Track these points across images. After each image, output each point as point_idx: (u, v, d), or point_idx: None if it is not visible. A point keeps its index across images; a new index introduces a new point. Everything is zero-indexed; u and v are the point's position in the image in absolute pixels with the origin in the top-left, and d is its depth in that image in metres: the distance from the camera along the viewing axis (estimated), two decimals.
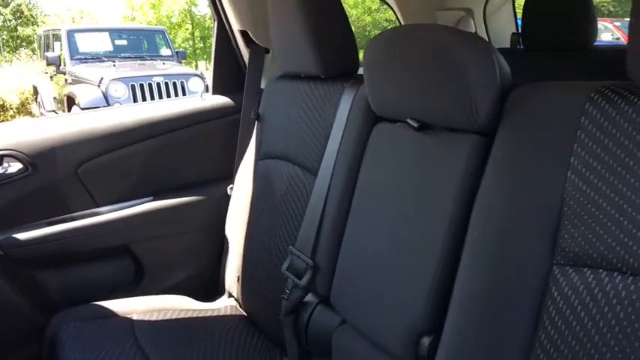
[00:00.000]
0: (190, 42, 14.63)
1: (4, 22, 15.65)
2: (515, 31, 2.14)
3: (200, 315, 1.33)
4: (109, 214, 1.44)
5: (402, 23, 2.09)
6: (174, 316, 1.30)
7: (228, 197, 1.49)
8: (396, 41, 0.90)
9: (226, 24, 1.51)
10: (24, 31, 15.36)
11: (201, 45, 14.60)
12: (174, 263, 1.54)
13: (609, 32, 8.49)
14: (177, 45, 12.87)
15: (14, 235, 1.33)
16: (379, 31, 2.15)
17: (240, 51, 1.55)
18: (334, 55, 1.12)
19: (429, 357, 0.81)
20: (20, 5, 15.71)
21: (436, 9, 2.06)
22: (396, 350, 0.86)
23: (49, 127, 1.40)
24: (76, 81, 6.26)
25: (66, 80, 6.51)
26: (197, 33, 14.54)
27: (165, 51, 7.49)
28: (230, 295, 1.45)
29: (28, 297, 1.35)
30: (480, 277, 0.75)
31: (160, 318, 1.28)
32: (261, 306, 1.27)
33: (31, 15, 15.83)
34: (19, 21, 15.62)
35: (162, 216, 1.49)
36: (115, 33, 7.25)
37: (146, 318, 1.27)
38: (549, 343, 0.67)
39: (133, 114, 1.49)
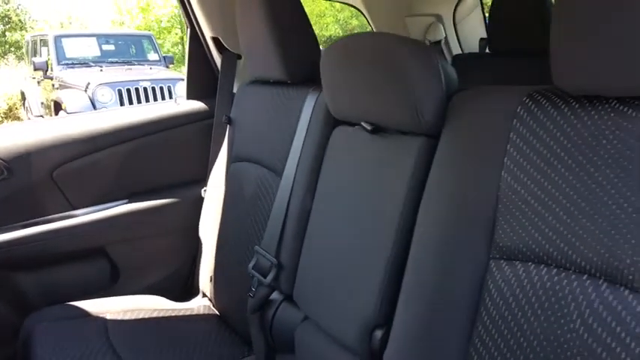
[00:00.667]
0: (180, 46, 14.62)
1: None
2: (485, 36, 2.19)
3: (173, 314, 1.36)
4: (84, 216, 1.47)
5: (374, 29, 2.14)
6: (147, 316, 1.33)
7: (202, 199, 1.52)
8: (348, 49, 0.95)
9: (199, 31, 1.55)
10: (12, 36, 15.31)
11: None
12: (149, 264, 1.57)
13: None
14: (166, 50, 12.86)
15: None
16: None
17: (212, 57, 1.59)
18: (299, 61, 1.16)
19: (381, 349, 0.85)
20: (8, 10, 15.65)
21: (406, 15, 2.10)
22: (352, 344, 0.90)
23: (24, 132, 1.43)
24: (63, 86, 6.26)
25: (53, 85, 6.51)
26: (186, 38, 14.52)
27: (152, 56, 7.50)
28: (204, 295, 1.48)
29: (3, 298, 1.37)
30: (424, 272, 0.79)
31: (133, 317, 1.31)
32: (232, 304, 1.31)
33: (19, 20, 15.79)
34: (7, 26, 15.56)
35: (137, 218, 1.52)
36: (102, 38, 7.25)
37: (119, 318, 1.30)
38: (486, 334, 0.71)
39: (108, 118, 1.51)
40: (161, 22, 14.10)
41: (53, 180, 1.42)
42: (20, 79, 8.90)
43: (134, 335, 1.24)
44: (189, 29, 1.58)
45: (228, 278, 1.32)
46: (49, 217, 1.43)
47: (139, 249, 1.54)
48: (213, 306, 1.41)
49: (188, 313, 1.39)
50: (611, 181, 0.61)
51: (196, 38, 1.58)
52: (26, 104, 7.92)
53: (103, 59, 6.98)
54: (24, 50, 9.17)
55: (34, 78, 7.33)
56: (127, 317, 1.31)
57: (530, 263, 0.68)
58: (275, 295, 1.14)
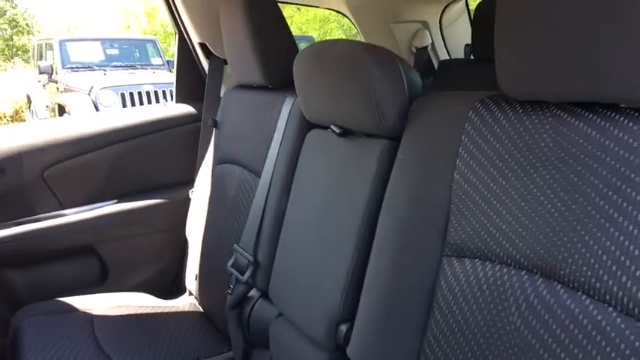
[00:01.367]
0: None
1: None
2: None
3: (158, 312, 1.40)
4: (74, 215, 1.51)
5: (361, 36, 2.18)
6: (132, 312, 1.37)
7: (190, 200, 1.56)
8: (317, 55, 0.99)
9: (186, 37, 1.60)
10: (20, 39, 15.48)
11: None
12: (138, 263, 1.62)
13: None
14: (170, 54, 12.95)
15: None
16: None
17: (200, 62, 1.64)
18: (278, 66, 1.20)
19: (345, 344, 0.89)
20: (16, 15, 15.84)
21: (392, 22, 2.14)
22: (320, 338, 0.94)
23: (16, 133, 1.48)
24: (67, 89, 6.34)
25: (57, 89, 6.59)
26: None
27: (156, 60, 7.58)
28: (190, 293, 1.52)
29: None
30: (384, 269, 0.83)
31: (119, 314, 1.35)
32: (214, 302, 1.35)
33: (26, 24, 15.97)
34: (14, 30, 15.74)
35: (126, 218, 1.57)
36: (106, 42, 7.33)
37: (106, 314, 1.34)
38: (437, 329, 0.75)
39: (99, 121, 1.57)
40: (167, 26, 14.21)
41: (44, 180, 1.46)
42: (27, 82, 9.00)
43: (118, 331, 1.29)
44: (177, 35, 1.63)
45: (212, 276, 1.36)
46: (40, 215, 1.48)
47: (128, 248, 1.59)
48: (199, 303, 1.46)
49: (173, 310, 1.43)
50: (547, 183, 0.64)
51: (185, 44, 1.63)
52: (32, 107, 8.00)
53: (107, 63, 7.06)
54: (30, 54, 9.28)
55: (39, 81, 7.42)
56: (113, 313, 1.35)
57: (477, 260, 0.72)
58: (253, 293, 1.18)
